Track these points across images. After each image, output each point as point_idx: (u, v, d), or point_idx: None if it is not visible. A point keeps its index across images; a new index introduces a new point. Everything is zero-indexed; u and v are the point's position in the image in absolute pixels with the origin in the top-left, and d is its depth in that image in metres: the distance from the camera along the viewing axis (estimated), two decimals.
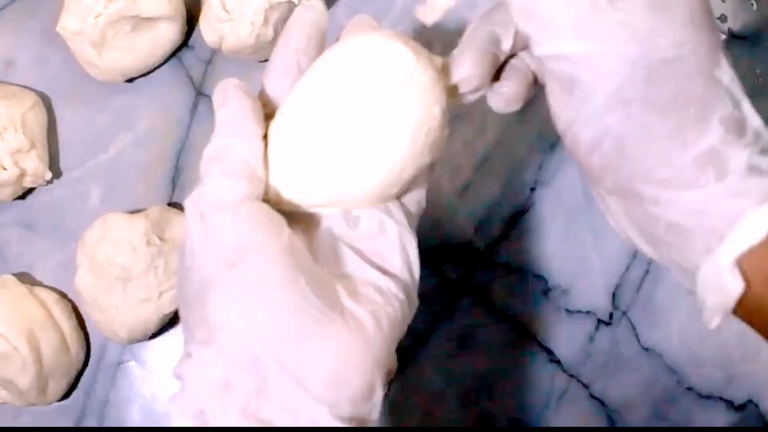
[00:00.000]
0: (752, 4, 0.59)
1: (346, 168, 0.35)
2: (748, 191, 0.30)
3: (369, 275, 0.35)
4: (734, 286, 0.30)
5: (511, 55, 0.38)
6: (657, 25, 0.31)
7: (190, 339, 0.33)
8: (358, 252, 0.35)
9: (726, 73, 0.32)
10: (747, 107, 0.32)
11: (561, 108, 0.33)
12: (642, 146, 0.31)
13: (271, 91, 0.38)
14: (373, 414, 0.33)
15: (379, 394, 0.33)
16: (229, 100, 0.37)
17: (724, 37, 0.58)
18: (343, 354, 0.32)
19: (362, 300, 0.33)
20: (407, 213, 0.37)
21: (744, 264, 0.30)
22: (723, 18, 0.58)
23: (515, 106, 0.38)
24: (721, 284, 0.31)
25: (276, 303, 0.31)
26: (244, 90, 0.37)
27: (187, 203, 0.34)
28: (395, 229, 0.36)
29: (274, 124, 0.37)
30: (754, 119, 0.32)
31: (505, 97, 0.38)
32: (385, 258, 0.35)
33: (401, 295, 0.35)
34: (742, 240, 0.30)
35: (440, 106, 0.35)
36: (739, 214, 0.30)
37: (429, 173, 0.39)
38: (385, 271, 0.35)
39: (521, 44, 0.37)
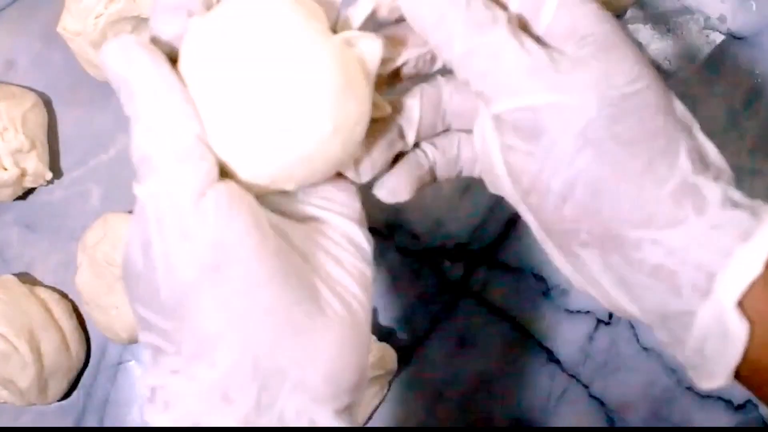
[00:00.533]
0: (752, 5, 0.59)
1: (278, 139, 0.31)
2: (730, 224, 0.29)
3: (335, 252, 0.33)
4: (740, 329, 0.28)
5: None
6: (611, 64, 0.30)
7: (175, 352, 0.30)
8: (319, 231, 0.33)
9: (678, 105, 0.32)
10: (702, 138, 0.32)
11: (525, 163, 0.31)
12: (617, 185, 0.30)
13: (165, 35, 0.32)
14: (362, 398, 0.33)
15: (368, 375, 0.32)
16: (141, 67, 0.30)
17: (723, 37, 0.58)
18: (337, 345, 0.30)
19: (335, 283, 0.32)
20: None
21: (743, 305, 0.29)
22: (722, 18, 0.59)
23: (401, 198, 0.37)
24: (724, 328, 0.29)
25: (266, 304, 0.29)
26: (151, 49, 0.31)
27: (139, 206, 0.31)
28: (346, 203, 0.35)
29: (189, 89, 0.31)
30: (710, 150, 0.32)
31: (391, 190, 0.37)
32: (344, 232, 0.34)
33: (368, 271, 0.33)
34: (738, 278, 0.28)
35: (349, 71, 0.32)
36: (727, 249, 0.29)
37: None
38: (349, 244, 0.34)
39: (423, 134, 0.36)
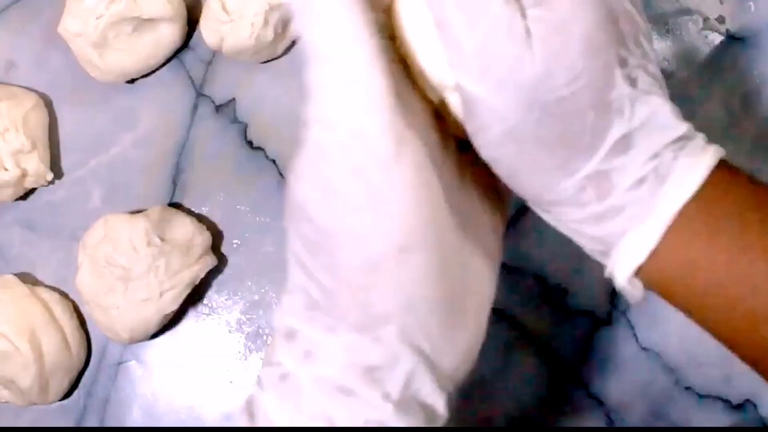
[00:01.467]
0: (750, 6, 0.59)
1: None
2: (629, 207, 0.32)
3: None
4: (636, 296, 0.33)
5: None
6: (552, 63, 0.30)
7: (336, 315, 0.31)
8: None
9: (618, 88, 0.31)
10: (652, 101, 0.32)
11: (464, 119, 0.32)
12: (531, 177, 0.32)
13: None
14: None
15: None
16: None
17: (722, 38, 0.58)
18: (471, 345, 0.33)
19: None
20: None
21: (642, 272, 0.33)
22: (721, 19, 0.59)
23: None
24: (626, 291, 0.33)
25: (438, 296, 0.31)
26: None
27: (319, 147, 0.30)
28: None
29: None
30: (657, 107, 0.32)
31: None
32: None
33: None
34: (627, 260, 0.32)
35: None
36: (620, 232, 0.32)
37: None
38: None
39: None
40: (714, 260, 0.32)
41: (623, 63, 0.31)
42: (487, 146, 0.32)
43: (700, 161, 0.32)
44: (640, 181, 0.32)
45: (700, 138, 0.33)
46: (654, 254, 0.32)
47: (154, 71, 0.59)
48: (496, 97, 0.30)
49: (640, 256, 0.32)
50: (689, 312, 0.34)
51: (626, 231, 0.32)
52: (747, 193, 0.33)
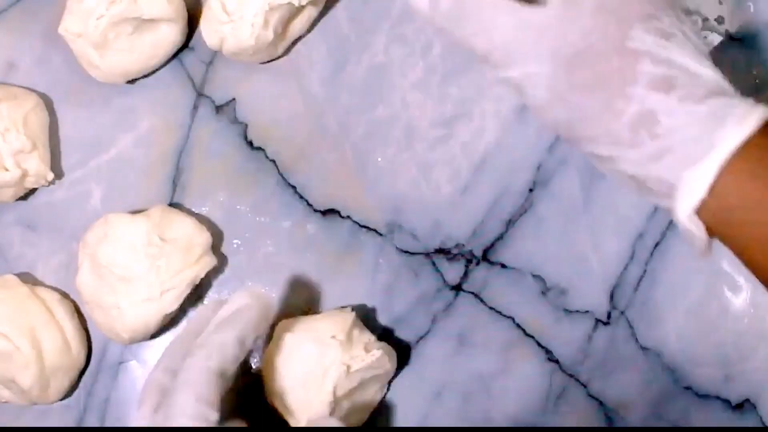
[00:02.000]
0: (749, 6, 0.59)
1: None
2: (684, 146, 0.34)
3: None
4: (699, 239, 0.35)
5: None
6: (564, 24, 0.36)
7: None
8: None
9: (639, 39, 0.35)
10: (678, 55, 0.36)
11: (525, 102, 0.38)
12: (584, 124, 0.36)
13: None
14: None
15: None
16: None
17: (721, 39, 0.59)
18: None
19: None
20: None
21: (703, 212, 0.35)
22: (720, 20, 0.59)
23: None
24: (689, 234, 0.36)
25: None
26: None
27: None
28: None
29: None
30: (690, 66, 0.36)
31: None
32: None
33: None
34: (687, 197, 0.35)
35: None
36: (680, 170, 0.35)
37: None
38: None
39: None
40: None
41: (646, 19, 0.36)
42: (542, 111, 0.37)
43: (754, 109, 0.35)
44: (691, 120, 0.34)
45: (743, 99, 0.36)
46: (713, 192, 0.34)
47: (154, 71, 0.59)
48: (527, 66, 0.36)
49: (699, 192, 0.34)
50: (749, 258, 0.36)
51: (685, 169, 0.34)
52: None
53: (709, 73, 0.36)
